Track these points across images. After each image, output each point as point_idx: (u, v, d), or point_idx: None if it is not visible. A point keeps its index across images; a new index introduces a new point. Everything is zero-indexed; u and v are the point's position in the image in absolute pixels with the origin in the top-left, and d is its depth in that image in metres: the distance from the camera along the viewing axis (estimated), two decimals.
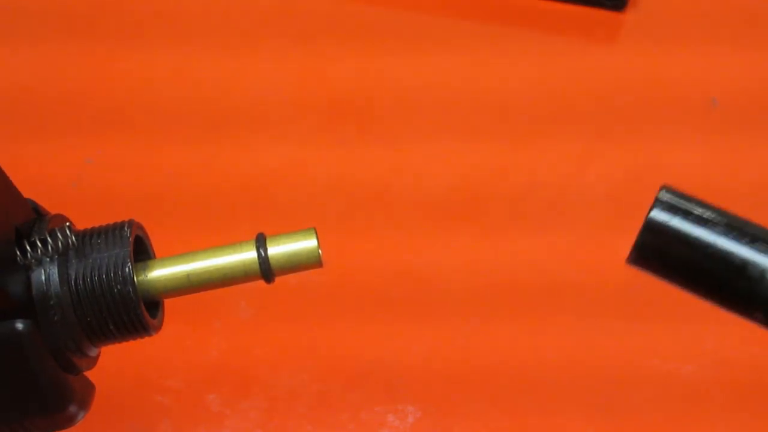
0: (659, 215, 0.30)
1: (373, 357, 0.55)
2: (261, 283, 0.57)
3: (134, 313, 0.34)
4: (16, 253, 0.33)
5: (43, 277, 0.33)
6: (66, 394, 0.34)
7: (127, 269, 0.34)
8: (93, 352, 0.35)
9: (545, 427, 0.53)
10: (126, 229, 0.34)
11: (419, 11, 0.70)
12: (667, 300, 0.56)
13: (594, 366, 0.55)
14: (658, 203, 0.30)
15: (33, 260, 0.33)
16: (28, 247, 0.33)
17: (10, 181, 0.34)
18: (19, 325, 0.32)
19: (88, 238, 0.34)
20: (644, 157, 0.63)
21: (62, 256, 0.34)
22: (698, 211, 0.30)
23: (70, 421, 0.35)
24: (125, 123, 0.66)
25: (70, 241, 0.34)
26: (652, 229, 0.30)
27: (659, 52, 0.68)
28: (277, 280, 0.57)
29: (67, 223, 0.35)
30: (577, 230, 0.60)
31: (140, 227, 0.36)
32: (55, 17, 0.72)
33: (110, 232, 0.34)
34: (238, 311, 0.56)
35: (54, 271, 0.33)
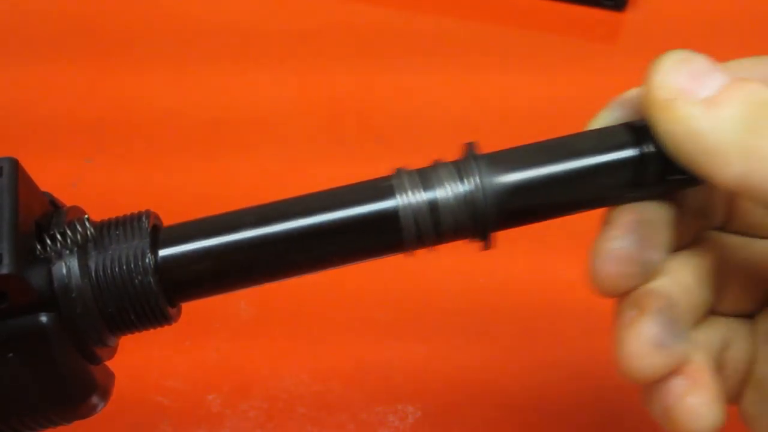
0: None
1: (373, 357, 0.55)
2: None
3: (155, 303, 0.34)
4: (37, 247, 0.33)
5: (64, 270, 0.33)
6: (89, 384, 0.35)
7: (147, 260, 0.34)
8: (113, 342, 0.36)
9: (546, 428, 0.53)
10: (144, 219, 0.35)
11: (418, 12, 0.70)
12: None
13: (594, 364, 0.55)
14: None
15: (53, 253, 0.33)
16: (47, 240, 0.33)
17: (28, 175, 0.34)
18: (43, 318, 0.33)
19: (106, 229, 0.34)
20: None
21: (81, 249, 0.34)
22: None
23: (92, 410, 0.35)
24: (124, 124, 0.66)
25: (88, 232, 0.34)
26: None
27: (659, 52, 0.67)
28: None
29: (86, 216, 0.35)
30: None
31: (157, 217, 0.36)
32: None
33: (128, 224, 0.35)
34: (238, 311, 0.56)
35: (74, 263, 0.33)
